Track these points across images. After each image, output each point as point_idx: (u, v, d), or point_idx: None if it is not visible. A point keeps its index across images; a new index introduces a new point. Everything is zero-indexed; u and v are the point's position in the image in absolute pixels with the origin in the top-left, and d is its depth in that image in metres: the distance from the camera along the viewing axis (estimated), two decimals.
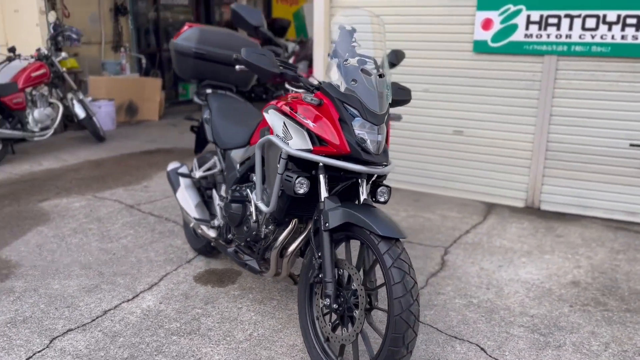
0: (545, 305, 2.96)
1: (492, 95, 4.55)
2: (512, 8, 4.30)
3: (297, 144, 2.29)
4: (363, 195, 2.34)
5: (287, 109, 2.37)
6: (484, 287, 3.16)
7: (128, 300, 2.94)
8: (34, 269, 3.29)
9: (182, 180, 3.43)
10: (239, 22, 2.35)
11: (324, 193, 2.26)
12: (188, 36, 3.41)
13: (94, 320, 2.74)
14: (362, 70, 2.24)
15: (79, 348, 2.50)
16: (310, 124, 2.25)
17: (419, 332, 2.68)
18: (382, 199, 2.43)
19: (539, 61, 4.32)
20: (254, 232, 2.74)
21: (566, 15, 4.12)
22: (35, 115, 6.00)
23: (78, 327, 2.68)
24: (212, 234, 3.14)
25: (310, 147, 2.25)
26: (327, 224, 2.19)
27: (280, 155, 2.32)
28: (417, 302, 2.01)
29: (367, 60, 2.32)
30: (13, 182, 5.10)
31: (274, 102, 2.54)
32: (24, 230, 3.91)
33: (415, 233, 3.96)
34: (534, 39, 4.27)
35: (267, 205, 2.50)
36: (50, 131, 6.16)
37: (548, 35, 4.21)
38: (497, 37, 4.41)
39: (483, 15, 4.41)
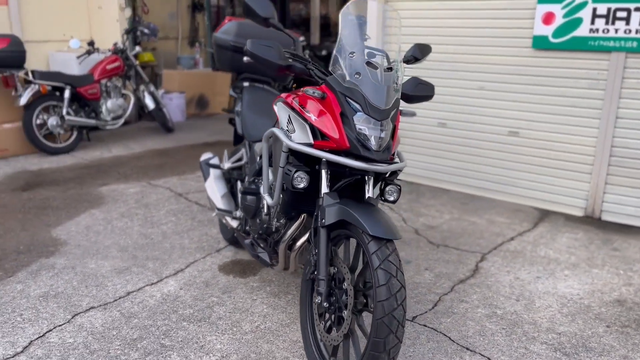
0: (578, 322, 2.72)
1: (552, 95, 4.24)
2: (577, 1, 3.98)
3: (298, 138, 2.25)
4: (368, 193, 2.26)
5: (292, 101, 2.35)
6: (514, 298, 2.96)
7: (152, 284, 3.06)
8: (77, 248, 3.51)
9: (212, 171, 3.50)
10: (249, 13, 2.35)
11: (324, 188, 2.21)
12: (227, 29, 3.47)
13: (116, 300, 2.88)
14: (367, 63, 2.16)
15: (95, 325, 2.63)
16: (312, 117, 2.21)
17: (430, 340, 2.56)
18: (391, 198, 2.34)
19: (605, 58, 3.97)
20: (266, 225, 2.74)
21: (636, 9, 3.75)
22: (108, 105, 6.38)
23: (100, 305, 2.82)
24: (234, 224, 3.18)
25: (311, 141, 2.21)
26: (324, 220, 2.14)
27: (282, 148, 2.30)
28: (402, 307, 1.91)
29: (376, 53, 2.24)
30: (82, 167, 5.46)
31: (284, 94, 2.53)
32: (79, 211, 4.18)
33: (454, 237, 3.79)
34: (600, 34, 3.93)
35: (273, 198, 2.49)
36: (121, 121, 6.54)
37: (616, 30, 3.86)
38: (559, 32, 4.10)
39: (544, 8, 4.12)
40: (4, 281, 3.07)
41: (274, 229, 2.70)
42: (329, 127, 2.16)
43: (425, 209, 4.35)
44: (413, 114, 2.48)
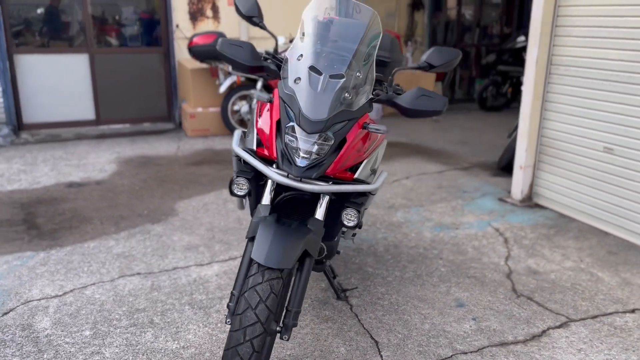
0: None
1: None
2: None
3: (249, 142, 2.14)
4: (317, 212, 2.02)
5: (258, 105, 2.22)
6: None
7: (199, 265, 3.28)
8: (178, 221, 3.97)
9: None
10: (237, 10, 2.28)
11: (264, 200, 2.05)
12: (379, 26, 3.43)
13: (160, 272, 3.18)
14: (311, 67, 1.91)
15: (124, 289, 2.97)
16: (259, 122, 2.07)
17: None
18: (349, 223, 2.05)
19: None
20: None
21: None
22: None
23: (145, 273, 3.16)
24: None
25: (254, 147, 2.07)
26: (248, 233, 2.00)
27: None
28: (251, 344, 1.68)
29: (339, 57, 1.96)
30: None
31: None
32: (212, 190, 4.68)
33: (552, 291, 3.02)
34: None
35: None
36: None
37: None
38: None
39: None
40: (109, 236, 3.69)
41: None
42: (264, 135, 2.00)
43: (550, 250, 3.55)
44: (384, 132, 2.08)
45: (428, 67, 2.22)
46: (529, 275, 3.22)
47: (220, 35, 6.41)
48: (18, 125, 7.02)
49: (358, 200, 2.11)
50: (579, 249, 3.59)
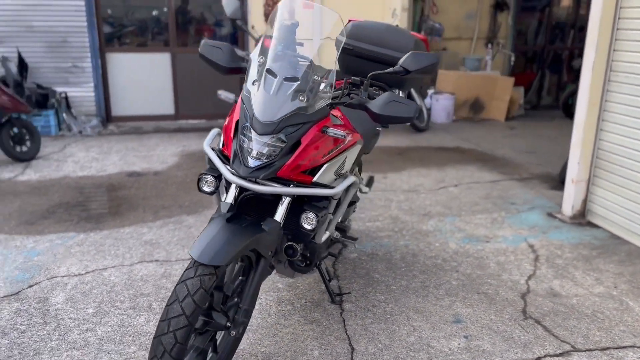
0: None
1: None
2: None
3: (220, 141, 2.20)
4: (276, 214, 2.05)
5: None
6: None
7: None
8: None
9: None
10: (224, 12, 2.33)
11: (227, 198, 2.11)
12: (342, 31, 3.43)
13: (176, 260, 3.35)
14: (267, 70, 1.93)
15: (138, 274, 3.17)
16: (226, 122, 2.13)
17: None
18: (306, 226, 2.06)
19: None
20: None
21: None
22: None
23: (161, 261, 3.35)
24: None
25: (220, 145, 2.13)
26: None
27: None
28: (174, 335, 1.73)
29: (300, 59, 1.97)
30: None
31: None
32: None
33: (567, 317, 2.79)
34: None
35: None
36: None
37: None
38: None
39: None
40: (145, 223, 3.95)
41: None
42: (226, 134, 2.05)
43: (583, 273, 3.27)
44: (343, 136, 2.04)
45: (404, 71, 2.15)
46: (547, 297, 2.99)
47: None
48: (106, 117, 7.68)
49: (320, 204, 2.10)
50: (618, 274, 3.27)
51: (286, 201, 2.06)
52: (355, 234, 3.79)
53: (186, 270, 1.83)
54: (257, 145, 1.93)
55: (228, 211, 2.04)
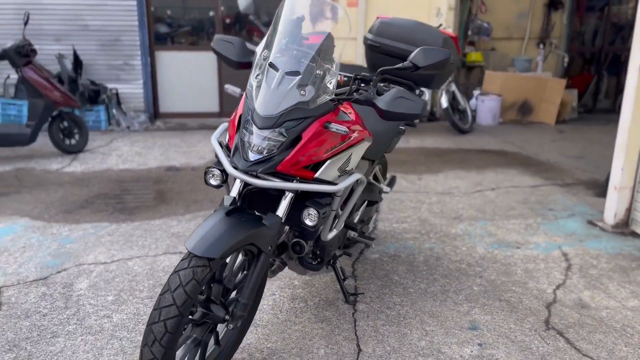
0: None
1: None
2: None
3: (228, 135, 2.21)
4: (279, 209, 2.05)
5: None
6: None
7: None
8: None
9: None
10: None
11: (232, 191, 2.11)
12: (371, 28, 3.39)
13: None
14: (270, 64, 1.92)
15: (160, 265, 3.24)
16: (232, 115, 2.14)
17: None
18: (307, 222, 2.04)
19: None
20: None
21: None
22: None
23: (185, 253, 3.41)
24: None
25: (226, 139, 2.14)
26: None
27: None
28: (164, 324, 1.74)
29: (303, 53, 1.95)
30: None
31: None
32: None
33: (595, 329, 2.63)
34: None
35: None
36: None
37: None
38: None
39: None
40: (175, 216, 4.04)
41: None
42: (231, 128, 2.06)
43: (618, 285, 3.09)
44: (345, 132, 1.99)
45: (413, 67, 2.09)
46: (574, 308, 2.83)
47: (329, 35, 6.52)
48: (154, 113, 7.93)
49: (323, 200, 2.07)
50: None
51: (289, 196, 2.05)
52: (380, 234, 3.74)
53: (181, 261, 1.85)
54: (257, 139, 1.93)
55: (231, 204, 2.05)
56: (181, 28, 7.98)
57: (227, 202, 2.06)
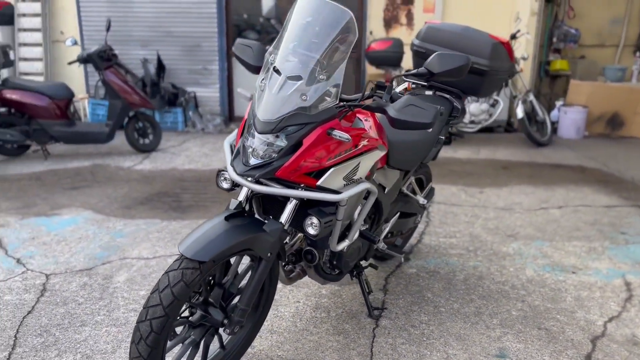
0: None
1: None
2: None
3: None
4: (282, 216, 2.02)
5: None
6: None
7: None
8: None
9: None
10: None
11: (240, 195, 2.11)
12: (418, 33, 3.29)
13: None
14: (274, 68, 1.89)
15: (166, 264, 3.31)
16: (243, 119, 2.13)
17: None
18: (309, 231, 1.99)
19: None
20: None
21: None
22: (471, 108, 6.49)
23: None
24: None
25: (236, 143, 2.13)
26: None
27: None
28: (150, 323, 1.75)
29: (307, 58, 1.90)
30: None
31: None
32: None
33: None
34: None
35: None
36: (479, 126, 6.51)
37: None
38: None
39: None
40: (191, 216, 4.12)
41: None
42: (239, 131, 2.05)
43: None
44: (347, 140, 1.90)
45: (428, 74, 1.98)
46: (624, 344, 2.54)
47: (396, 41, 6.42)
48: (229, 117, 8.19)
49: (326, 209, 2.01)
50: None
51: (292, 203, 2.00)
52: (424, 248, 3.58)
53: (174, 261, 1.87)
54: (257, 144, 1.91)
55: (235, 208, 2.04)
56: (258, 35, 8.19)
57: (232, 206, 2.06)
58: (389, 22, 7.60)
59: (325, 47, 1.89)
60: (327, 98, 1.91)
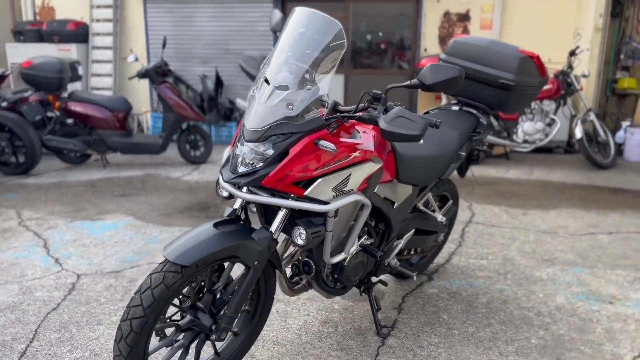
0: None
1: None
2: None
3: None
4: (273, 224, 2.03)
5: None
6: None
7: None
8: None
9: None
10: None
11: (236, 203, 2.14)
12: (446, 48, 3.24)
13: None
14: (265, 79, 1.91)
15: None
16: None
17: None
18: (298, 241, 1.99)
19: None
20: None
21: None
22: (525, 127, 6.23)
23: None
24: None
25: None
26: None
27: None
28: (130, 323, 1.80)
29: (296, 67, 1.92)
30: (473, 183, 5.78)
31: None
32: None
33: None
34: None
35: None
36: (532, 145, 6.23)
37: None
38: None
39: None
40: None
41: None
42: (233, 140, 2.09)
43: None
44: (333, 150, 1.88)
45: (421, 85, 1.92)
46: None
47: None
48: None
49: (315, 220, 1.99)
50: None
51: (282, 212, 2.01)
52: (450, 268, 3.46)
53: (159, 264, 1.92)
54: (245, 152, 1.93)
55: (228, 216, 2.08)
56: None
57: (226, 213, 2.09)
58: (444, 39, 7.48)
59: (313, 57, 1.90)
60: (314, 108, 1.91)
